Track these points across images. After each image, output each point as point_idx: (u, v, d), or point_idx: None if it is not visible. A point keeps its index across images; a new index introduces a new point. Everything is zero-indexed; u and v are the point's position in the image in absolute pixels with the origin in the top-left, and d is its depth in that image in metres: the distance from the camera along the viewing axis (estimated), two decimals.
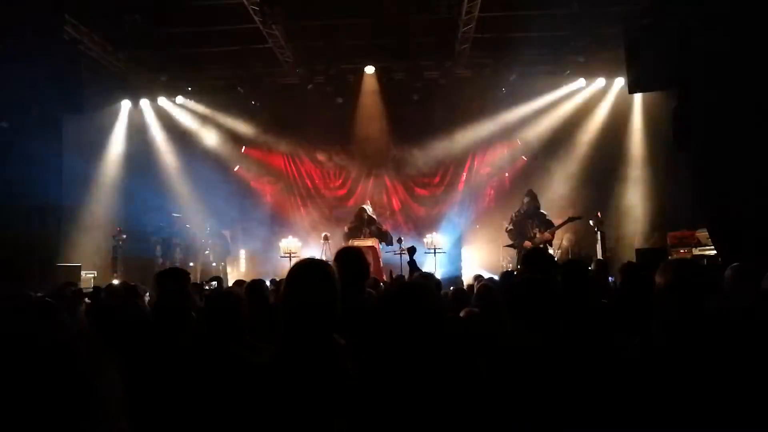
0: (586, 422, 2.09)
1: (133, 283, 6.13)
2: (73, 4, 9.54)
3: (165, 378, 2.39)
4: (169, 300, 3.12)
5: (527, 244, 10.00)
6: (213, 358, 2.47)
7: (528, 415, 1.98)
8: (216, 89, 12.79)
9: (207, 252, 12.66)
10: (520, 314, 2.38)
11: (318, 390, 1.94)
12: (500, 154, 14.03)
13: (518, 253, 10.37)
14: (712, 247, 9.24)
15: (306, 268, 2.24)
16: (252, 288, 4.63)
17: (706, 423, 2.12)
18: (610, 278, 5.96)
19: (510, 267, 10.65)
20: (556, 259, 10.25)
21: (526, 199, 10.60)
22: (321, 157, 14.28)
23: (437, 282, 5.60)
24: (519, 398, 1.99)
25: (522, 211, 10.52)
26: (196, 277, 11.51)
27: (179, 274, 3.43)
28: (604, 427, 2.12)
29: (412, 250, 5.68)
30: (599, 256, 10.54)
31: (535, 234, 10.26)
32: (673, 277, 2.41)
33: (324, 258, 10.87)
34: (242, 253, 13.91)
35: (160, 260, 12.11)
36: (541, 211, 10.66)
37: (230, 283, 9.99)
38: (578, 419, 2.08)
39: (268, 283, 5.77)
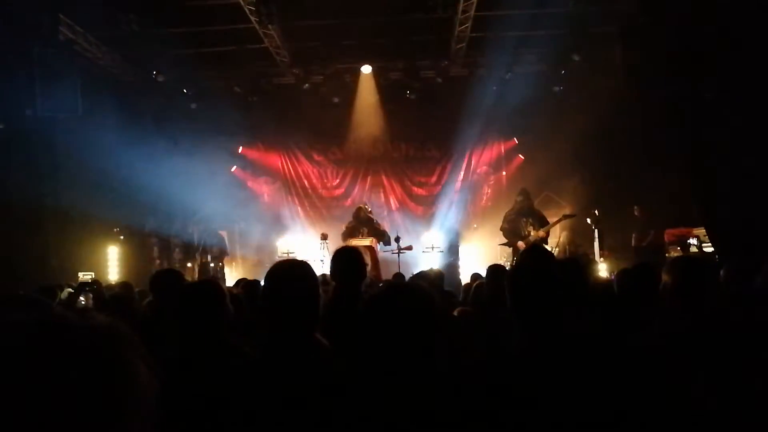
0: (585, 424, 2.09)
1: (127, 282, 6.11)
2: (68, 4, 9.51)
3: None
4: (165, 301, 3.11)
5: (520, 244, 10.01)
6: (201, 356, 2.46)
7: (523, 419, 1.97)
8: (212, 89, 12.76)
9: (205, 252, 12.62)
10: (513, 305, 2.36)
11: (300, 391, 1.94)
12: (497, 153, 14.06)
13: (513, 251, 10.38)
14: (709, 244, 9.27)
15: (285, 268, 2.26)
16: (248, 288, 4.62)
17: (710, 421, 2.12)
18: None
19: (508, 265, 10.65)
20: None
21: (519, 198, 10.62)
22: (318, 156, 14.28)
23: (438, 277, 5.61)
24: (514, 401, 1.98)
25: (515, 210, 10.53)
26: (193, 278, 11.50)
27: (174, 276, 3.42)
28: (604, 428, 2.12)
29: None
30: (597, 253, 10.56)
31: (529, 232, 10.26)
32: (677, 276, 2.41)
33: (322, 257, 10.90)
34: (239, 253, 13.90)
35: (158, 261, 12.10)
36: (535, 209, 10.67)
37: (227, 283, 9.99)
38: (576, 421, 2.07)
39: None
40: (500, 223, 10.99)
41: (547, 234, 10.45)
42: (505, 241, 10.54)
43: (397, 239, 11.05)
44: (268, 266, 2.35)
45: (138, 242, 12.31)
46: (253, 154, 14.22)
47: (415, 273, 6.93)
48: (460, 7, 9.88)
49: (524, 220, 10.32)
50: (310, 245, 12.43)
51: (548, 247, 10.51)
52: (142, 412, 0.91)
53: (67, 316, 0.95)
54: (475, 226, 13.25)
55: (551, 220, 10.56)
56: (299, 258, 10.87)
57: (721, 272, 3.53)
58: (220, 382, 2.13)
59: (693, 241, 9.64)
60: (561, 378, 2.07)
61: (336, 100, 12.86)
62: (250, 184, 14.27)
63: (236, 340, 2.56)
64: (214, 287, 2.70)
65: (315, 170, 14.34)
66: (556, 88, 12.42)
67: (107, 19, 9.83)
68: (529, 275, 2.48)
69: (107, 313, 1.03)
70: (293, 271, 2.23)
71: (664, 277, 2.43)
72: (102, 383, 0.87)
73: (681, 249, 9.69)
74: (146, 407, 0.92)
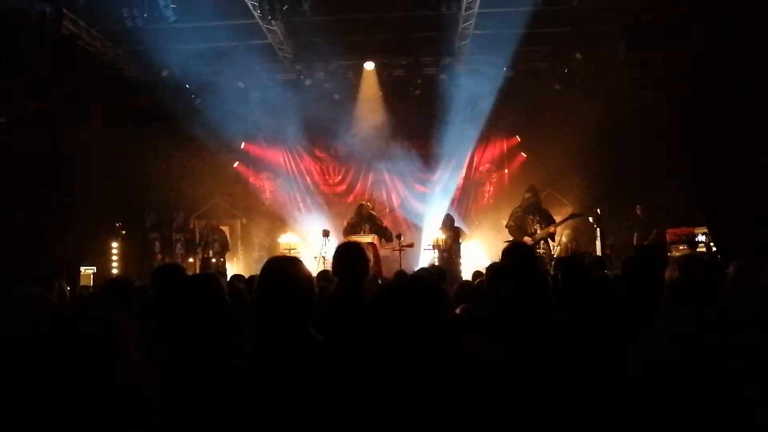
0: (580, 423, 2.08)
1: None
2: None
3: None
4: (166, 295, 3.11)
5: (527, 240, 9.98)
6: (199, 350, 2.46)
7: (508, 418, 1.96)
8: (215, 85, 12.74)
9: (206, 248, 12.63)
10: (497, 304, 2.35)
11: (293, 386, 1.94)
12: (500, 151, 14.05)
13: None
14: (711, 243, 9.26)
15: (276, 264, 2.27)
16: (251, 284, 4.61)
17: (711, 423, 2.11)
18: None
19: None
20: (554, 255, 10.26)
21: (527, 195, 10.59)
22: (320, 153, 14.27)
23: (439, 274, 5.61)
24: (491, 401, 1.97)
25: (523, 207, 10.51)
26: (195, 273, 11.51)
27: (176, 270, 3.43)
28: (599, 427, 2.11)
29: None
30: (598, 252, 10.54)
31: (535, 230, 10.25)
32: (681, 274, 2.40)
33: (324, 254, 10.90)
34: (241, 249, 13.92)
35: (159, 256, 12.12)
36: (543, 207, 10.65)
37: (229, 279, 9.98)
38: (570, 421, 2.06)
39: None
40: (501, 221, 10.97)
41: (554, 232, 10.43)
42: (510, 238, 10.52)
43: (399, 236, 11.04)
44: None
45: (140, 237, 12.33)
46: (256, 150, 14.21)
47: (415, 270, 6.94)
48: (464, 3, 9.86)
49: (531, 217, 10.30)
50: (312, 242, 12.43)
51: (552, 245, 10.51)
52: (138, 398, 0.93)
53: (68, 309, 0.97)
54: (477, 223, 13.24)
55: (556, 218, 10.54)
56: (301, 255, 10.89)
57: (726, 272, 3.53)
58: (212, 376, 2.14)
59: (701, 238, 9.60)
60: (541, 378, 2.06)
61: (338, 96, 12.84)
62: (252, 179, 14.26)
63: (237, 335, 2.56)
64: (212, 280, 2.70)
65: (317, 166, 14.34)
66: (559, 86, 12.38)
67: (111, 13, 9.81)
68: (508, 275, 2.48)
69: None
70: (284, 267, 2.25)
71: (668, 275, 2.42)
72: (100, 371, 0.90)
73: (688, 246, 9.65)
74: (143, 394, 0.94)
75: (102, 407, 0.90)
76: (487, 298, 2.54)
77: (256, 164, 14.30)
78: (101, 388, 0.90)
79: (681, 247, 9.86)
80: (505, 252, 3.97)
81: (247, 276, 6.59)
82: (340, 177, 14.33)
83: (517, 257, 3.75)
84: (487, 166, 14.05)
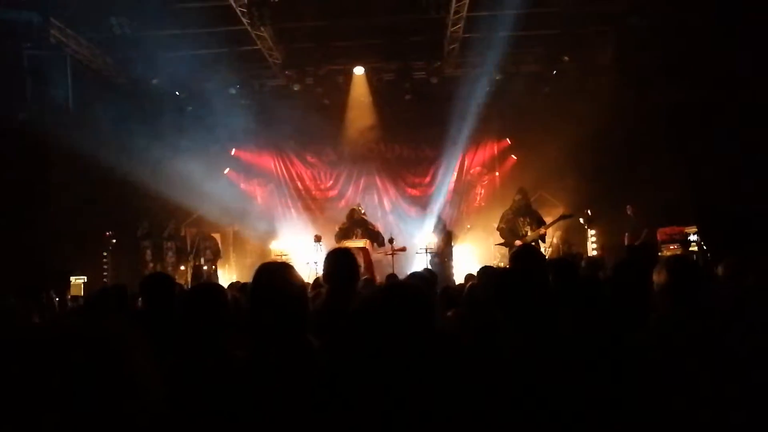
0: (579, 423, 2.09)
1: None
2: (59, 7, 9.47)
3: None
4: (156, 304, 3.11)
5: (518, 243, 9.99)
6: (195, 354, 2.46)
7: (512, 419, 1.97)
8: (206, 92, 12.70)
9: (198, 255, 12.58)
10: (506, 306, 2.36)
11: (288, 390, 1.94)
12: (490, 154, 14.09)
13: (509, 251, 10.36)
14: (702, 242, 9.31)
15: (269, 270, 2.27)
16: (244, 291, 4.60)
17: (707, 420, 2.12)
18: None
19: (502, 265, 10.64)
20: (546, 256, 10.28)
21: (517, 197, 10.61)
22: (311, 158, 14.28)
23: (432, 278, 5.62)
24: (505, 401, 1.98)
25: (513, 209, 10.52)
26: (186, 281, 11.47)
27: (164, 279, 3.42)
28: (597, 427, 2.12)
29: None
30: (590, 253, 10.58)
31: (526, 232, 10.27)
32: (669, 276, 2.41)
33: (316, 259, 10.87)
34: (233, 255, 13.87)
35: (151, 264, 12.06)
36: (533, 208, 10.67)
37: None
38: (570, 419, 2.07)
39: None
40: (493, 224, 10.98)
41: (545, 233, 10.44)
42: (501, 240, 10.54)
43: (391, 240, 11.04)
44: None
45: (131, 245, 12.26)
46: (246, 156, 14.19)
47: (408, 274, 6.94)
48: (452, 7, 9.89)
49: (521, 219, 10.32)
50: (304, 247, 12.41)
51: (543, 246, 10.54)
52: (144, 408, 0.95)
53: (69, 321, 0.99)
54: (469, 226, 13.26)
55: (547, 220, 10.57)
56: (292, 260, 10.87)
57: (717, 270, 3.55)
58: (207, 381, 2.13)
59: (693, 237, 9.62)
60: (555, 377, 2.08)
61: (328, 101, 12.85)
62: (243, 186, 14.23)
63: (233, 342, 2.56)
64: (218, 291, 2.70)
65: (308, 172, 14.33)
66: (548, 89, 12.44)
67: (99, 22, 9.78)
68: (520, 277, 2.49)
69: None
70: (276, 273, 2.25)
71: (656, 277, 2.43)
72: (109, 377, 0.92)
73: (680, 246, 9.69)
74: (149, 406, 0.96)
75: (109, 418, 0.91)
76: (492, 301, 2.55)
77: (246, 170, 14.27)
78: (107, 398, 0.92)
79: (672, 247, 9.90)
80: (513, 256, 3.98)
81: (242, 282, 6.56)
82: (331, 182, 14.33)
83: (527, 261, 3.75)
84: (478, 168, 14.09)
